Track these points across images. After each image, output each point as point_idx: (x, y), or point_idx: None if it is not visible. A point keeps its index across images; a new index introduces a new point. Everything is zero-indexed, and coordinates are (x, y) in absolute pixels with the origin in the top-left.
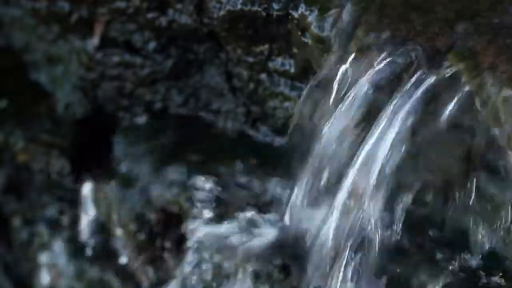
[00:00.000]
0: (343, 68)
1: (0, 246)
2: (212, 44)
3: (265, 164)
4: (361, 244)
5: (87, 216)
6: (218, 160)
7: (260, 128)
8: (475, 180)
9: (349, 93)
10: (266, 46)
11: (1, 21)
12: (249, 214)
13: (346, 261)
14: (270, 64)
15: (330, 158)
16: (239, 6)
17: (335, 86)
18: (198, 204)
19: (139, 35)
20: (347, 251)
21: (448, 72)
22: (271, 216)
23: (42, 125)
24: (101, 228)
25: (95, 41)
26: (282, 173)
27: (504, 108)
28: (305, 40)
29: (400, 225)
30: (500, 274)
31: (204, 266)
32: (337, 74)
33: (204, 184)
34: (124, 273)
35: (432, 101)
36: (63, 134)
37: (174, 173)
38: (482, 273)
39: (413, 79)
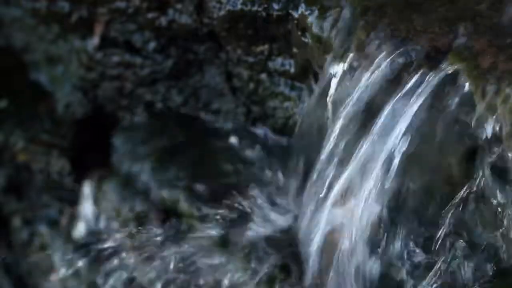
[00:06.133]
0: (343, 68)
1: (0, 246)
2: (212, 44)
3: (266, 164)
4: (360, 245)
5: (87, 216)
6: (218, 159)
7: (260, 128)
8: (475, 180)
9: (349, 93)
10: (266, 46)
11: (1, 21)
12: (251, 213)
13: (345, 261)
14: (270, 64)
15: (331, 159)
16: (239, 6)
17: (335, 86)
18: (199, 203)
19: (139, 35)
20: (346, 251)
21: (448, 72)
22: (272, 216)
23: (42, 125)
24: (101, 228)
25: (95, 41)
26: (284, 173)
27: (504, 108)
28: (305, 40)
29: (400, 225)
30: (501, 274)
31: (204, 265)
32: (337, 74)
33: (204, 183)
34: (124, 273)
35: (432, 101)
36: (63, 134)
37: (174, 172)
38: (482, 272)
39: (413, 79)
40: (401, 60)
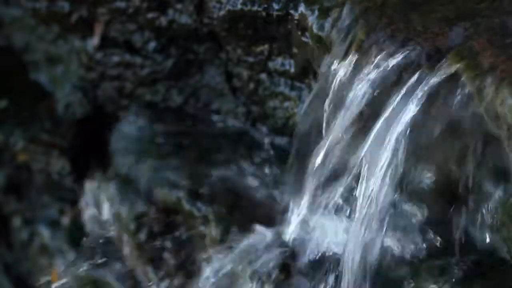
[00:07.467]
0: (343, 68)
1: (0, 246)
2: (212, 44)
3: (265, 164)
4: (362, 246)
5: (87, 216)
6: (218, 160)
7: (260, 128)
8: (475, 180)
9: (349, 93)
10: (266, 46)
11: (1, 21)
12: (251, 213)
13: (348, 261)
14: (270, 64)
15: (331, 159)
16: (239, 6)
17: (335, 86)
18: (198, 204)
19: (139, 35)
20: (348, 252)
21: (448, 72)
22: (272, 216)
23: (42, 125)
24: (101, 228)
25: (95, 41)
26: (283, 174)
27: (503, 108)
28: (305, 40)
29: (401, 225)
30: (500, 274)
31: (204, 265)
32: (337, 74)
33: (205, 183)
34: (124, 273)
35: (432, 101)
36: (63, 134)
37: (174, 173)
38: (481, 272)
39: (413, 79)
40: (401, 60)
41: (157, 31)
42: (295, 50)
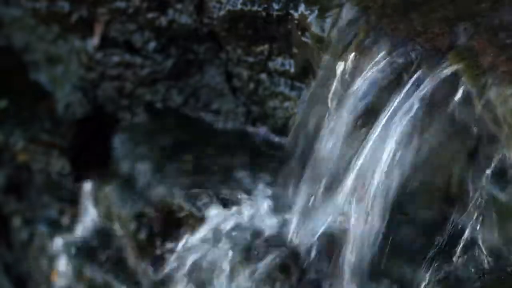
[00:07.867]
0: (342, 68)
1: (0, 246)
2: (212, 44)
3: (265, 164)
4: (361, 246)
5: (87, 216)
6: (218, 159)
7: (260, 128)
8: (475, 180)
9: (348, 93)
10: (266, 46)
11: (1, 21)
12: (250, 213)
13: (346, 261)
14: (270, 64)
15: (331, 159)
16: (239, 6)
17: (335, 86)
18: (199, 204)
19: (139, 35)
20: (347, 252)
21: (448, 72)
22: (272, 216)
23: (42, 125)
24: (101, 228)
25: (95, 41)
26: (284, 174)
27: (504, 108)
28: (305, 40)
29: (400, 226)
30: (502, 275)
31: (203, 265)
32: (336, 74)
33: (204, 183)
34: (124, 273)
35: (432, 101)
36: (63, 134)
37: (174, 172)
38: (483, 273)
39: (413, 79)
40: (401, 60)
41: (157, 31)
42: (295, 50)
